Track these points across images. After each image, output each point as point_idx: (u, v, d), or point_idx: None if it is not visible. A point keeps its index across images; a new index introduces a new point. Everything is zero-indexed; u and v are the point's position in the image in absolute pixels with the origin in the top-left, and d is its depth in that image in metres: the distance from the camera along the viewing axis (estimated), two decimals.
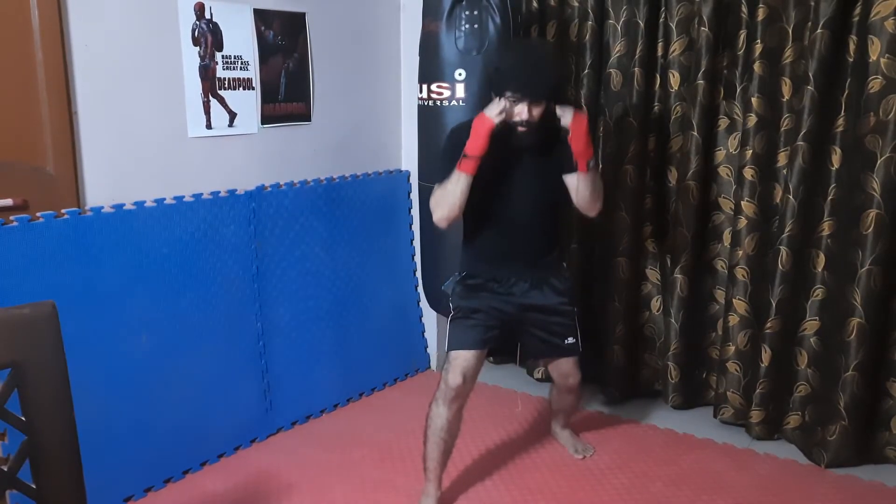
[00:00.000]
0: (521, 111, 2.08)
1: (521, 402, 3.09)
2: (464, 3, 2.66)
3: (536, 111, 2.10)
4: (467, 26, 2.66)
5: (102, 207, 2.27)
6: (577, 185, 2.22)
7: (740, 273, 2.75)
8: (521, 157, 2.22)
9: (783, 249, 2.61)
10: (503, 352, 3.26)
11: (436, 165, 2.37)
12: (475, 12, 2.66)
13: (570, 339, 2.41)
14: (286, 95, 2.86)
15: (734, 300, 2.78)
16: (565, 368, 2.47)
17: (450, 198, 2.14)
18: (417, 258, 3.29)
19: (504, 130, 2.11)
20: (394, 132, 3.34)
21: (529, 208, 2.28)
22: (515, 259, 2.32)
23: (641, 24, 2.87)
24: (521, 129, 2.12)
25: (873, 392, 2.56)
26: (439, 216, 2.18)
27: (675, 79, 2.87)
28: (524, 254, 2.32)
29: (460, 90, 2.68)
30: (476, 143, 2.09)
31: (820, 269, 2.62)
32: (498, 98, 2.11)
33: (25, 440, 1.03)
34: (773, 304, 2.66)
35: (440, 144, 2.37)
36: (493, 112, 2.09)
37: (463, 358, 2.24)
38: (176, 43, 2.47)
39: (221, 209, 2.58)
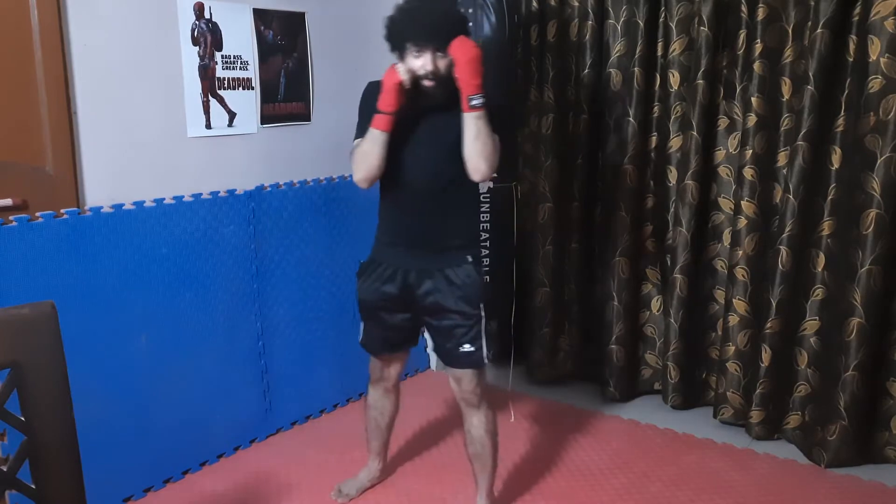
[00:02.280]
0: (426, 62, 1.90)
1: (520, 403, 3.09)
2: (459, 0, 2.66)
3: (442, 62, 1.91)
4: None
5: (102, 207, 2.26)
6: (464, 130, 1.93)
7: (740, 273, 2.75)
8: (426, 122, 2.01)
9: (783, 249, 2.61)
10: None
11: None
12: (470, 10, 2.66)
13: (467, 347, 2.07)
14: (286, 95, 2.86)
15: (734, 300, 2.77)
16: (461, 380, 2.12)
17: (367, 157, 1.98)
18: None
19: (415, 90, 1.94)
20: None
21: (429, 182, 2.03)
22: (412, 241, 2.09)
23: (641, 24, 2.87)
24: (426, 82, 1.93)
25: (873, 392, 2.56)
26: (358, 177, 2.02)
27: (675, 78, 2.87)
28: (421, 235, 2.08)
29: None
30: (386, 98, 1.93)
31: (820, 269, 2.62)
32: (399, 54, 1.95)
33: (25, 440, 1.02)
34: (773, 304, 2.65)
35: None
36: (402, 67, 1.93)
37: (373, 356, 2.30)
38: (175, 43, 2.47)
39: (221, 209, 2.58)
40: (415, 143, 2.01)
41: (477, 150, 1.92)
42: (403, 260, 2.10)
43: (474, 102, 1.89)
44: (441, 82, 1.93)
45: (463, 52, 1.89)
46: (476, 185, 2.09)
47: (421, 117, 2.01)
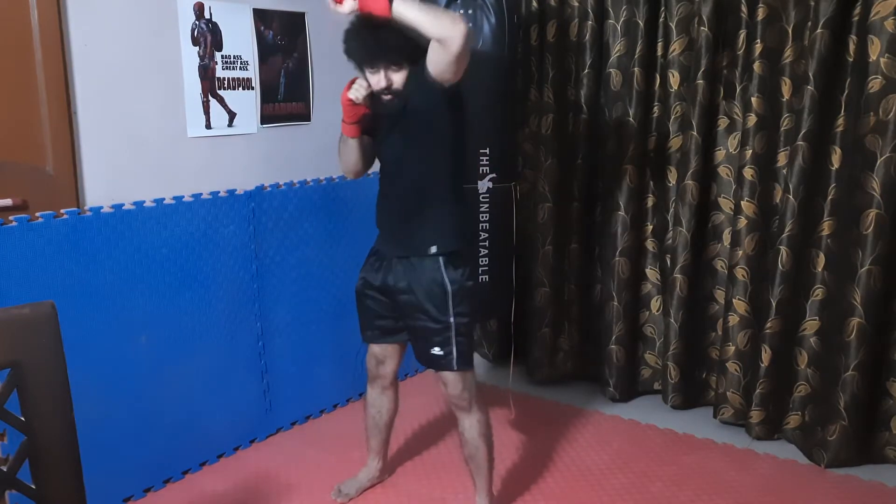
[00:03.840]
0: (379, 80, 1.94)
1: (520, 402, 3.09)
2: (458, 1, 2.65)
3: (397, 77, 1.94)
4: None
5: (102, 207, 2.26)
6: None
7: (740, 273, 2.75)
8: (395, 118, 2.03)
9: (783, 249, 2.61)
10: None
11: None
12: (469, 11, 2.66)
13: (436, 350, 2.06)
14: (286, 95, 2.86)
15: (734, 300, 2.77)
16: (448, 384, 2.12)
17: (343, 157, 2.16)
18: None
19: (374, 99, 1.99)
20: None
21: (401, 169, 2.07)
22: (392, 232, 2.13)
23: (641, 24, 2.87)
24: (385, 97, 1.96)
25: (873, 392, 2.56)
26: (342, 171, 2.21)
27: (674, 78, 2.87)
28: (399, 228, 2.10)
29: None
30: (345, 112, 2.04)
31: (820, 269, 2.62)
32: (357, 67, 1.99)
33: (25, 440, 1.02)
34: (773, 304, 2.65)
35: None
36: (354, 91, 1.97)
37: (370, 347, 2.31)
38: (175, 43, 2.47)
39: (221, 209, 2.58)
40: (389, 131, 2.08)
41: (427, 28, 1.76)
42: (386, 245, 2.16)
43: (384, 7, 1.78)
44: (398, 94, 1.97)
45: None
46: (456, 178, 2.09)
47: (391, 118, 2.05)
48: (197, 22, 2.52)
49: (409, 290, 2.08)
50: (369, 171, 2.26)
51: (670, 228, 2.97)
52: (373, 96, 1.99)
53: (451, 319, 2.04)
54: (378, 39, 1.90)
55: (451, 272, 2.05)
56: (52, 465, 1.05)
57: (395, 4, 1.78)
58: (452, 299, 2.04)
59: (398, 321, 2.20)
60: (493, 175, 2.76)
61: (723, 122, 2.83)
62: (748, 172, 2.68)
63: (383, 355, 2.31)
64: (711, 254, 2.93)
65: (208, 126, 2.60)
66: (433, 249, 2.05)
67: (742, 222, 2.72)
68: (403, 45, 1.90)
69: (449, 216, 2.08)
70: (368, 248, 2.23)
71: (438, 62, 1.83)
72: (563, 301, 3.25)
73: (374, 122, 2.07)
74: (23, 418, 1.02)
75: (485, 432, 2.17)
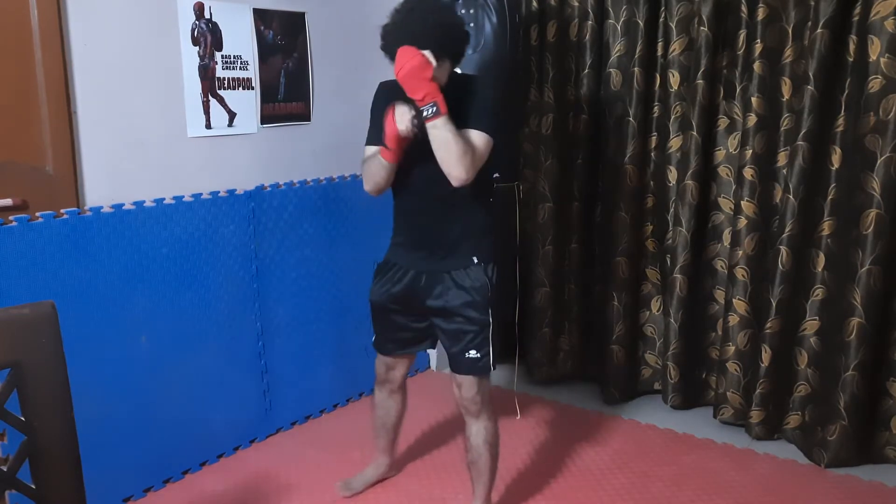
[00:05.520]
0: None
1: (520, 402, 3.09)
2: (460, 1, 2.66)
3: (438, 72, 1.88)
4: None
5: (102, 207, 2.26)
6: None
7: (740, 273, 2.75)
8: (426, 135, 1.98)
9: (783, 249, 2.61)
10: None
11: None
12: (471, 11, 2.66)
13: (473, 353, 2.05)
14: (286, 95, 2.86)
15: (734, 300, 2.77)
16: (462, 386, 2.11)
17: (373, 176, 2.03)
18: None
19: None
20: None
21: (433, 186, 2.00)
22: (419, 242, 2.11)
23: (641, 24, 2.87)
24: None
25: (873, 392, 2.56)
26: (366, 188, 2.08)
27: (674, 78, 2.87)
28: (428, 237, 2.09)
29: None
30: (389, 140, 1.93)
31: (820, 269, 2.62)
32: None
33: (25, 440, 1.02)
34: (773, 304, 2.65)
35: None
36: (400, 122, 1.90)
37: (380, 355, 2.31)
38: (175, 43, 2.47)
39: (221, 209, 2.58)
40: (419, 149, 1.96)
41: (443, 158, 1.88)
42: (412, 261, 2.12)
43: (425, 114, 1.84)
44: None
45: (398, 67, 1.82)
46: (486, 185, 2.10)
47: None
48: (197, 22, 2.52)
49: (442, 295, 2.07)
50: None
51: (670, 228, 2.97)
52: (419, 125, 1.91)
53: (490, 319, 2.05)
54: (424, 30, 1.86)
55: (490, 273, 2.07)
56: (52, 465, 1.05)
57: (426, 113, 1.83)
58: (489, 302, 2.06)
59: (423, 332, 2.20)
60: (496, 175, 2.76)
61: (723, 122, 2.83)
62: (748, 172, 2.68)
63: (394, 362, 2.31)
64: (711, 254, 2.93)
65: (208, 126, 2.60)
66: (475, 260, 2.07)
67: (742, 222, 2.72)
68: (448, 39, 1.89)
69: (486, 225, 2.10)
70: (368, 248, 2.24)
71: (445, 172, 1.90)
72: (564, 301, 3.25)
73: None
74: (23, 418, 1.02)
75: (490, 440, 2.16)
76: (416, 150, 1.97)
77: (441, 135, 1.86)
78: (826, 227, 2.57)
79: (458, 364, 2.09)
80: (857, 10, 2.39)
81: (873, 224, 2.40)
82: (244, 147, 2.74)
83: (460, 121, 1.90)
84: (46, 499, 1.04)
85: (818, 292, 2.64)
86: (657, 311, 3.11)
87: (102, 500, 2.25)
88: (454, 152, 1.87)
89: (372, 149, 2.06)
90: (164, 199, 2.43)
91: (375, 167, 2.01)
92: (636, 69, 2.89)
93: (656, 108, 2.96)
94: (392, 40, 1.91)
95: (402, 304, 2.16)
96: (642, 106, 2.92)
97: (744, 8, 2.64)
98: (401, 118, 1.91)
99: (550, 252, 3.17)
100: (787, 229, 2.60)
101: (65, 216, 2.16)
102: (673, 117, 2.91)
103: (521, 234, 3.09)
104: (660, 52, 2.91)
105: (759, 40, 2.60)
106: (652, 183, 3.02)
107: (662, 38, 2.89)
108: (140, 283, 2.35)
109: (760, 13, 2.57)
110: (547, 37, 3.07)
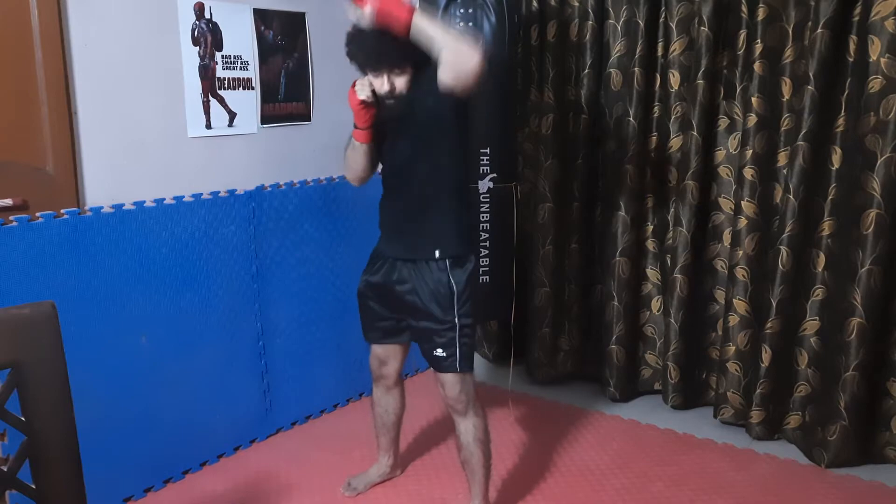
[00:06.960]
0: (382, 84, 1.93)
1: (520, 402, 3.09)
2: (458, 1, 2.66)
3: (400, 81, 1.93)
4: (462, 25, 2.66)
5: (102, 207, 2.26)
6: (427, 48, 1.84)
7: (740, 273, 2.75)
8: (403, 123, 2.02)
9: (783, 249, 2.61)
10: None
11: None
12: (470, 10, 2.66)
13: (439, 352, 2.06)
14: (286, 95, 2.86)
15: (734, 300, 2.77)
16: (445, 385, 2.11)
17: (351, 163, 2.11)
18: None
19: (378, 102, 1.97)
20: None
21: (406, 171, 2.05)
22: (398, 235, 2.13)
23: (641, 24, 2.87)
24: (388, 101, 1.95)
25: (873, 392, 2.55)
26: (347, 177, 2.18)
27: (675, 78, 2.87)
28: (404, 231, 2.11)
29: None
30: (357, 116, 1.99)
31: (820, 269, 2.62)
32: (360, 69, 1.96)
33: (25, 440, 1.02)
34: (773, 304, 2.65)
35: None
36: (360, 91, 1.93)
37: (373, 347, 2.31)
38: (176, 43, 2.47)
39: (221, 209, 2.58)
40: (394, 136, 2.05)
41: (442, 47, 1.78)
42: (390, 247, 2.16)
43: (406, 18, 1.78)
44: (403, 99, 1.95)
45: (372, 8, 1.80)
46: (460, 184, 2.10)
47: (395, 122, 2.03)
48: (197, 22, 2.52)
49: (413, 291, 2.09)
50: None
51: (670, 228, 2.97)
52: (377, 98, 1.97)
53: (456, 320, 2.05)
54: (381, 43, 1.88)
55: (458, 273, 2.06)
56: (52, 465, 1.05)
57: (415, 18, 1.79)
58: (457, 300, 2.05)
59: (400, 322, 2.20)
60: (494, 175, 2.76)
61: (723, 122, 2.83)
62: (748, 172, 2.68)
63: (385, 356, 2.31)
64: (711, 254, 2.93)
65: (208, 126, 2.60)
66: (437, 254, 2.05)
67: (742, 222, 2.72)
68: (406, 49, 1.89)
69: (455, 220, 2.09)
70: (369, 248, 2.23)
71: (448, 81, 1.82)
72: (564, 301, 3.25)
73: (379, 127, 2.05)
74: (23, 418, 1.02)
75: (481, 438, 2.15)
76: (393, 138, 2.03)
77: (430, 30, 1.79)
78: (826, 227, 2.57)
79: (430, 361, 2.12)
80: (858, 10, 2.39)
81: (873, 224, 2.40)
82: (244, 147, 2.74)
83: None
84: (46, 499, 1.04)
85: (818, 292, 2.64)
86: (657, 311, 3.11)
87: (102, 500, 2.25)
88: (451, 38, 1.80)
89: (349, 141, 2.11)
90: (164, 199, 2.43)
91: (350, 152, 2.09)
92: (636, 69, 2.89)
93: (656, 108, 2.96)
94: (357, 57, 1.95)
95: (378, 294, 2.19)
96: (642, 106, 2.92)
97: (744, 8, 2.64)
98: (361, 88, 1.94)
99: (550, 252, 3.17)
100: (787, 229, 2.60)
101: (65, 216, 2.16)
102: (673, 117, 2.91)
103: (521, 235, 3.09)
104: (660, 52, 2.91)
105: (759, 40, 2.60)
106: (652, 183, 3.02)
107: (663, 38, 2.89)
108: (140, 283, 2.36)
109: (761, 13, 2.57)
110: (547, 37, 3.07)
